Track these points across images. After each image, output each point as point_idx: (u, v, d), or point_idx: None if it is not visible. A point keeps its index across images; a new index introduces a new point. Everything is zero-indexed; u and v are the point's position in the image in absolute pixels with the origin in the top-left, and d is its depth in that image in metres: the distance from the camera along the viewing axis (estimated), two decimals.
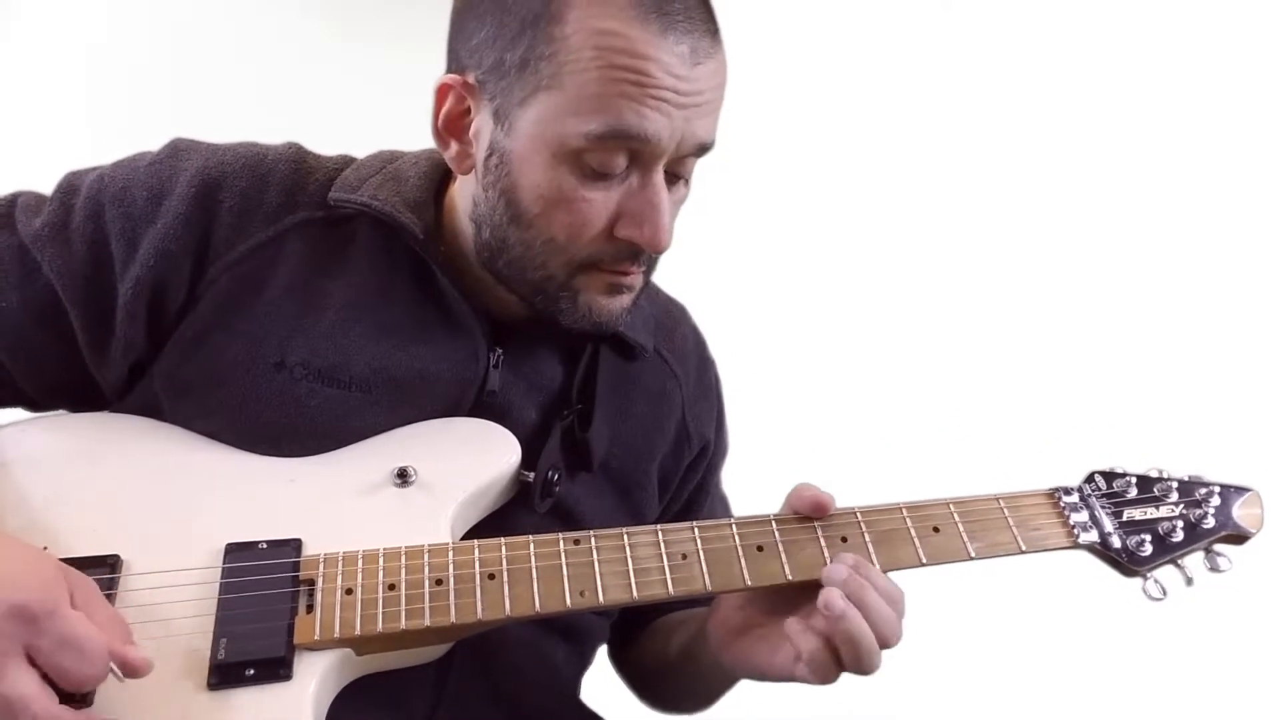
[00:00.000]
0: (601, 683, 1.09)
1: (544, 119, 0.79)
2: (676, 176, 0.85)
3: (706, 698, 1.03)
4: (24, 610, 0.62)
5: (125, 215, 0.85)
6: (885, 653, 0.78)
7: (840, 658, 0.77)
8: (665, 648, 1.03)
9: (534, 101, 0.79)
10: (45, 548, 0.74)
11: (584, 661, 1.03)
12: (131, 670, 0.66)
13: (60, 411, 0.92)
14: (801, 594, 0.81)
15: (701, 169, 0.88)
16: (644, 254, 0.85)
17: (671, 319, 1.09)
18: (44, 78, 2.37)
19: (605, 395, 0.96)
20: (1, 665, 0.61)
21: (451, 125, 0.86)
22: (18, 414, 0.89)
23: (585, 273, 0.85)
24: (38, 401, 0.91)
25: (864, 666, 0.77)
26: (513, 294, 0.89)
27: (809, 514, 0.85)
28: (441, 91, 0.85)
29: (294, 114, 1.59)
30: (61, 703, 0.63)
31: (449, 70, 0.85)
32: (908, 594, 0.81)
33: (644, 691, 1.12)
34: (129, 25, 2.41)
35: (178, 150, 0.89)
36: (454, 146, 0.87)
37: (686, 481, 1.08)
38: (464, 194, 0.89)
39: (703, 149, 0.84)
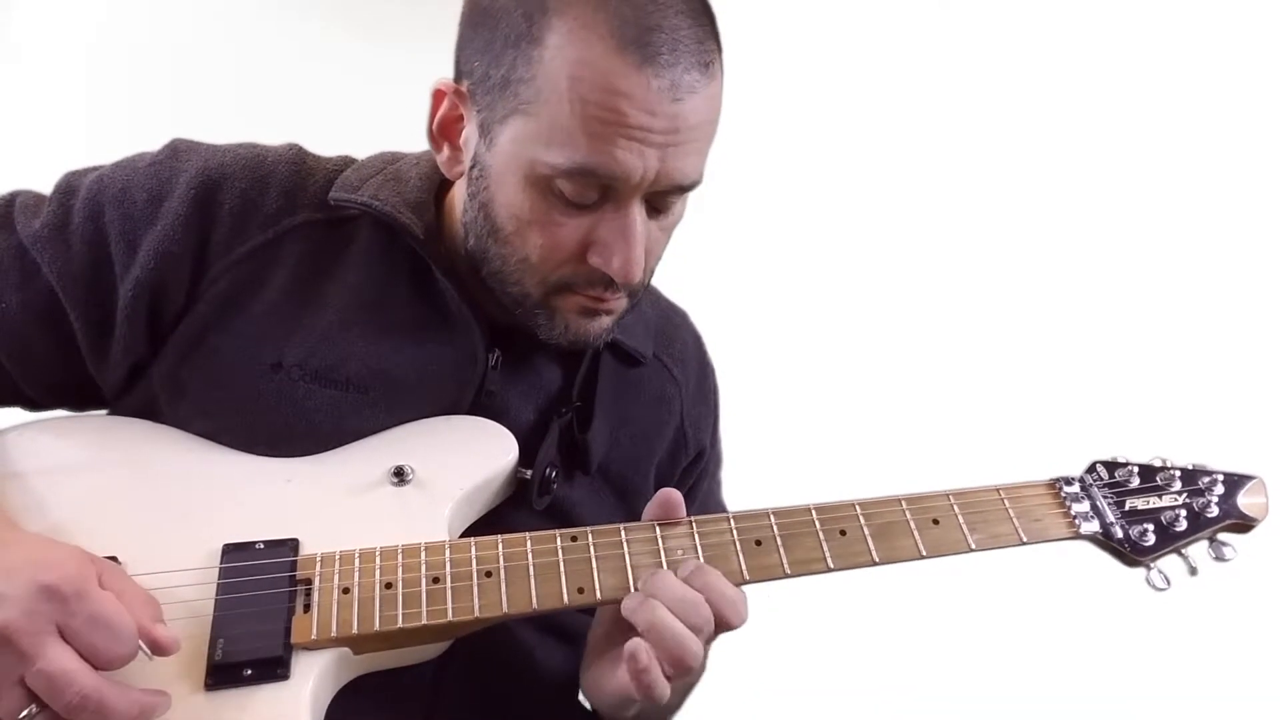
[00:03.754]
0: None
1: (518, 141, 0.78)
2: (658, 209, 0.82)
3: None
4: (54, 590, 0.63)
5: (125, 216, 0.85)
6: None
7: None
8: None
9: (511, 122, 0.78)
10: None
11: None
12: (160, 649, 0.68)
13: (59, 412, 0.92)
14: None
15: None
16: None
17: (672, 325, 1.08)
18: (43, 77, 2.38)
19: (605, 399, 0.96)
20: (38, 643, 0.62)
21: (445, 130, 0.86)
22: (16, 414, 0.90)
23: (560, 294, 0.84)
24: (37, 402, 0.92)
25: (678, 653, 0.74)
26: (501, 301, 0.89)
27: (661, 516, 0.83)
28: (437, 96, 0.85)
29: (294, 114, 1.59)
30: None
31: (454, 74, 0.85)
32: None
33: None
34: (128, 25, 2.41)
35: (177, 151, 0.89)
36: (446, 151, 0.86)
37: (680, 485, 1.06)
38: (459, 198, 0.89)
39: (684, 189, 0.81)
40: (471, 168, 0.83)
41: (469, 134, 0.83)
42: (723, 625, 0.76)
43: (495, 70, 0.78)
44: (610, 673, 0.79)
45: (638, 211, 0.79)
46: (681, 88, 0.74)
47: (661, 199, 0.81)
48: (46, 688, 0.62)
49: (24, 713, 0.62)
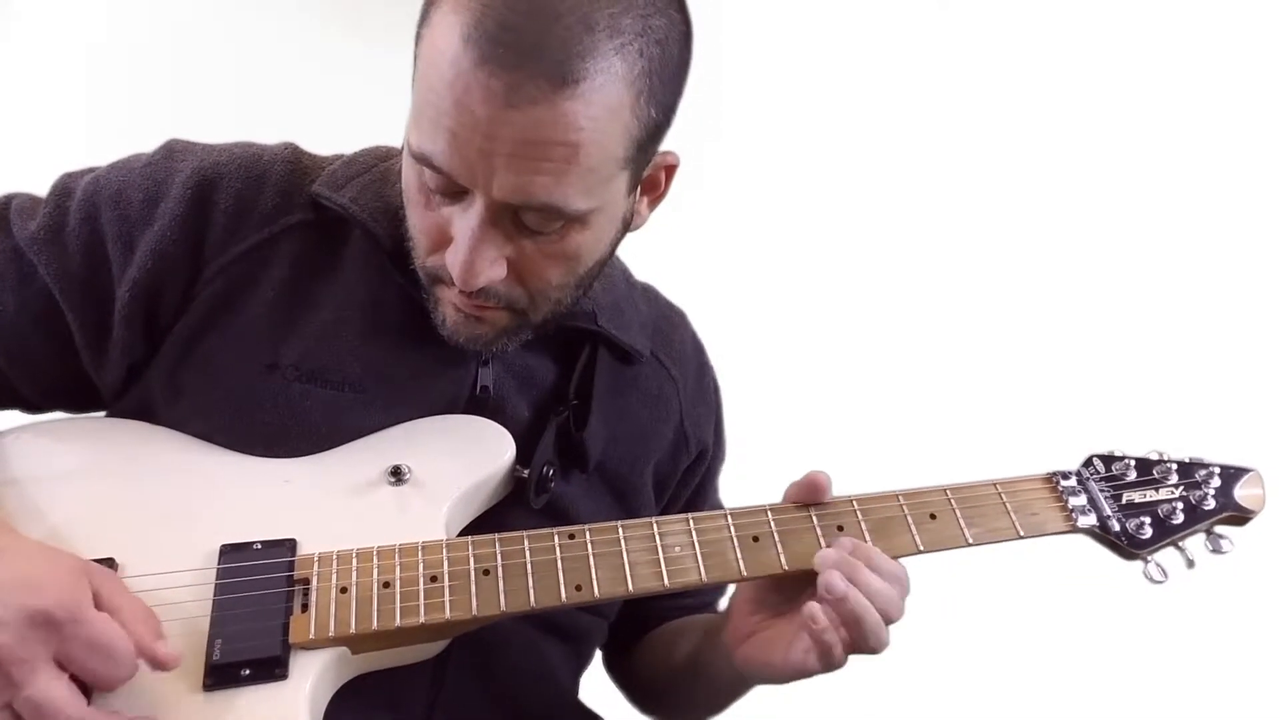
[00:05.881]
0: (601, 683, 1.10)
1: (409, 118, 0.77)
2: (527, 227, 0.76)
3: (714, 706, 1.01)
4: (47, 616, 0.63)
5: (121, 218, 0.85)
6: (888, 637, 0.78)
7: (849, 639, 0.77)
8: (669, 657, 1.03)
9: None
10: None
11: (582, 661, 1.03)
12: (160, 666, 0.67)
13: (57, 414, 0.92)
14: (812, 590, 0.80)
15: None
16: (490, 291, 0.79)
17: (670, 324, 1.08)
18: (43, 78, 2.38)
19: (602, 397, 0.95)
20: (30, 671, 0.62)
21: None
22: (14, 416, 0.90)
23: (437, 284, 0.82)
24: (35, 404, 0.92)
25: (871, 645, 0.77)
26: None
27: (806, 498, 0.85)
28: None
29: (293, 114, 1.59)
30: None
31: None
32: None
33: (645, 702, 1.11)
34: (128, 25, 2.41)
35: (173, 151, 0.89)
36: None
37: (684, 485, 1.07)
38: None
39: (548, 209, 0.74)
40: None
41: None
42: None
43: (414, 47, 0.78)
44: (780, 644, 0.81)
45: (485, 215, 0.74)
46: (523, 96, 0.68)
47: (524, 215, 0.75)
48: (33, 715, 0.62)
49: None
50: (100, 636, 0.64)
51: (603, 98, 0.71)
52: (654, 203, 0.90)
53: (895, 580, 0.79)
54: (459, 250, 0.75)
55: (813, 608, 0.77)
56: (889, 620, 0.78)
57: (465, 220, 0.75)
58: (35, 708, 0.62)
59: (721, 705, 1.00)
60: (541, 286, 0.81)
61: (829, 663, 0.78)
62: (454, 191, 0.76)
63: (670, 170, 0.87)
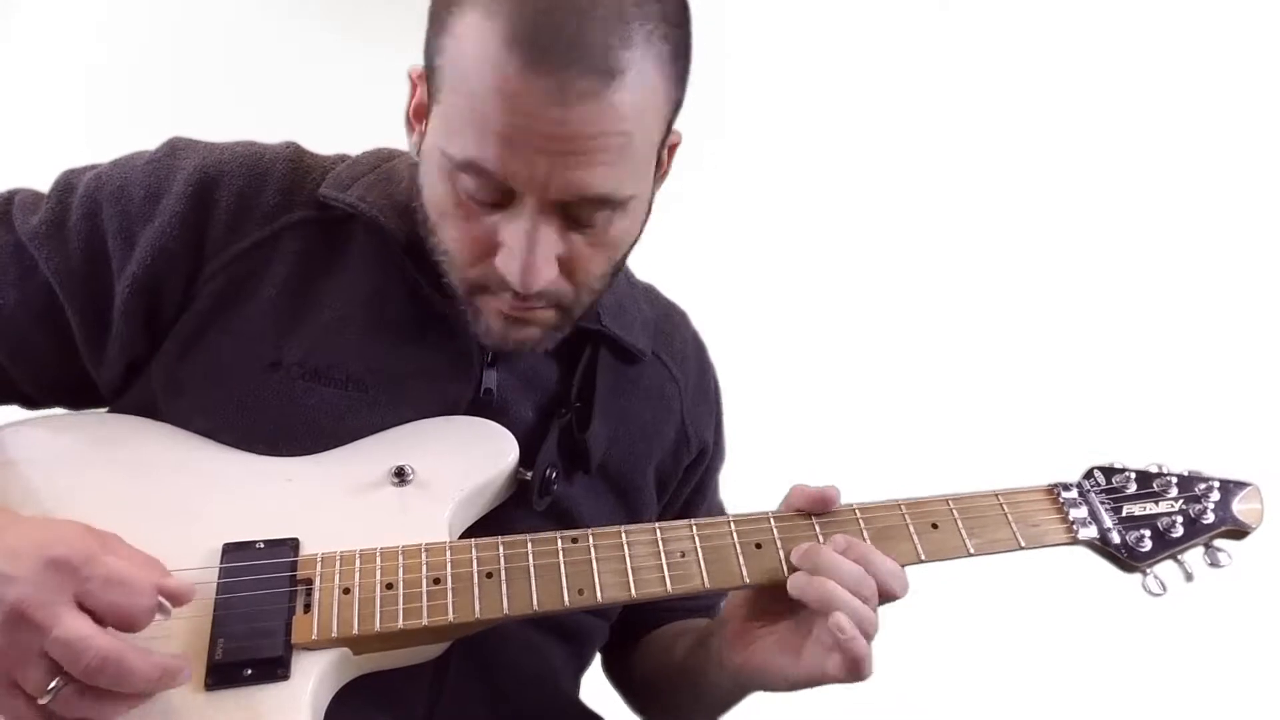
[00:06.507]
0: (601, 683, 1.09)
1: (434, 130, 0.77)
2: (577, 221, 0.78)
3: (710, 712, 1.00)
4: (64, 561, 0.64)
5: (122, 214, 0.85)
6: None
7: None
8: (667, 661, 1.02)
9: (433, 110, 0.77)
10: None
11: (583, 662, 1.02)
12: (177, 597, 0.68)
13: (58, 410, 0.92)
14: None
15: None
16: (542, 290, 0.79)
17: (671, 323, 1.08)
18: (43, 77, 2.37)
19: (604, 397, 0.95)
20: (54, 612, 0.62)
21: (419, 116, 0.84)
22: (15, 413, 0.89)
23: (479, 294, 0.82)
24: (35, 400, 0.92)
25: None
26: None
27: (812, 509, 0.85)
28: (413, 81, 0.84)
29: (294, 114, 1.58)
30: None
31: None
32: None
33: (641, 704, 1.11)
34: (128, 24, 2.41)
35: (175, 149, 0.89)
36: (414, 136, 0.85)
37: (685, 484, 1.07)
38: None
39: (600, 201, 0.76)
40: (419, 154, 0.83)
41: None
42: (886, 597, 0.79)
43: (429, 55, 0.78)
44: (792, 655, 0.80)
45: (538, 217, 0.75)
46: (570, 92, 0.69)
47: (575, 210, 0.76)
48: (64, 654, 0.62)
49: (51, 685, 0.62)
50: (115, 570, 0.65)
51: (643, 84, 0.73)
52: (658, 181, 0.90)
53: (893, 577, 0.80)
54: (517, 255, 0.76)
55: (839, 618, 0.76)
56: (863, 599, 0.77)
57: (517, 225, 0.76)
58: (65, 645, 0.62)
59: (716, 712, 1.00)
60: (586, 279, 0.82)
61: (857, 672, 0.77)
62: (497, 200, 0.76)
63: (673, 149, 0.88)
